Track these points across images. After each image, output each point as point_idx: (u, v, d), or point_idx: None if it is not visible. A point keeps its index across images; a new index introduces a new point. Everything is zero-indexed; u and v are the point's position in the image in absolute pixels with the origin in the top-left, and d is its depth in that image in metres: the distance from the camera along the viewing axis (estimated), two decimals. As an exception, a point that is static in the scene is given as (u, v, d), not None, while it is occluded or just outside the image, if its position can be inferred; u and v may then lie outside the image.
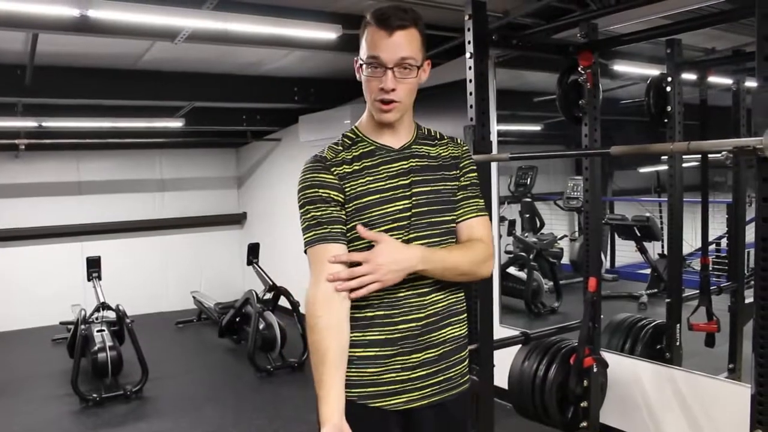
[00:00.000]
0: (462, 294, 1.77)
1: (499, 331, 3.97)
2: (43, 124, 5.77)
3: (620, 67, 4.57)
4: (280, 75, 5.61)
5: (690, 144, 2.06)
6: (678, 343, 3.67)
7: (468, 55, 2.76)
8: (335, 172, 1.63)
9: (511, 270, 5.65)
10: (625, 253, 6.50)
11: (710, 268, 3.82)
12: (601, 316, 3.35)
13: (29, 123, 5.79)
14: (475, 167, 1.79)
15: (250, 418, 4.52)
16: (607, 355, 3.44)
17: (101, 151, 7.77)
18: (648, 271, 5.96)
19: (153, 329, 6.97)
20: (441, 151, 1.74)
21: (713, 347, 3.65)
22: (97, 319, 5.52)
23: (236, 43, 3.99)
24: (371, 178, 1.64)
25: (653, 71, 3.90)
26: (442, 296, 1.69)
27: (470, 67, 2.75)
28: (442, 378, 1.69)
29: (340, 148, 1.68)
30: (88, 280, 6.26)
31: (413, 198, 1.65)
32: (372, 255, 1.56)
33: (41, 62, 4.42)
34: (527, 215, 5.87)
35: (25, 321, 7.31)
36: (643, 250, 5.91)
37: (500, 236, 4.78)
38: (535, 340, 3.34)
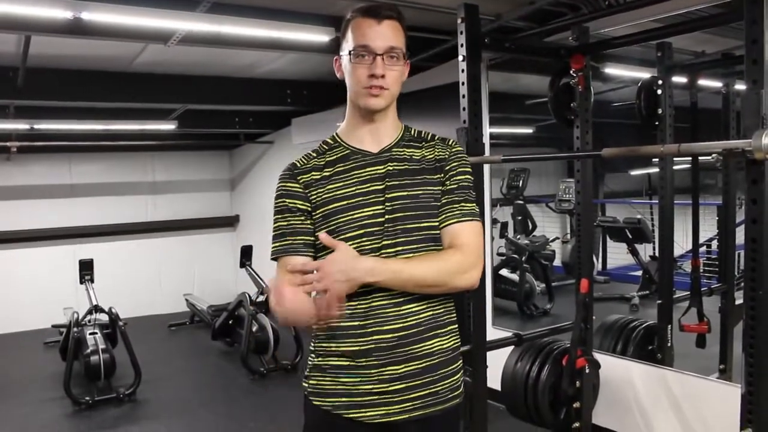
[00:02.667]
0: (451, 304, 1.70)
1: (492, 333, 3.98)
2: (35, 126, 5.76)
3: (611, 70, 4.60)
4: (273, 77, 5.62)
5: (680, 146, 2.08)
6: (669, 344, 3.69)
7: (461, 58, 2.77)
8: (301, 181, 1.62)
9: (504, 272, 5.67)
10: (617, 255, 6.52)
11: (701, 270, 3.84)
12: (593, 318, 3.36)
13: (21, 125, 5.77)
14: (467, 170, 1.69)
15: (243, 420, 4.52)
16: (599, 356, 3.46)
17: (94, 153, 7.75)
18: (639, 272, 5.99)
19: (146, 332, 6.94)
20: (426, 154, 1.68)
21: (704, 348, 3.65)
22: (89, 321, 5.50)
23: (229, 45, 4.00)
24: (340, 184, 1.60)
25: (644, 74, 3.93)
26: (422, 307, 1.60)
27: (463, 70, 2.77)
28: (426, 392, 1.59)
29: (314, 154, 1.67)
30: (81, 282, 6.23)
31: (387, 203, 1.59)
32: (323, 263, 1.51)
33: (33, 64, 4.41)
34: (519, 217, 5.90)
35: (18, 324, 7.27)
36: (634, 252, 5.94)
37: (492, 238, 4.79)
38: (528, 341, 3.35)
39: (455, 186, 1.65)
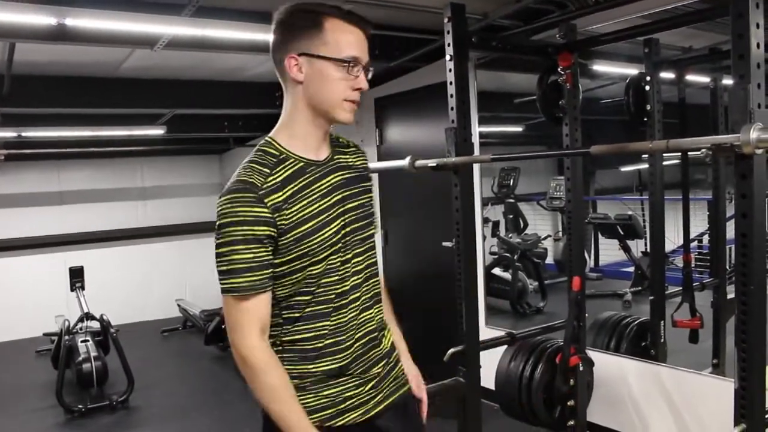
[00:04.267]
0: (382, 306, 1.75)
1: (485, 332, 3.97)
2: (23, 134, 5.73)
3: (599, 67, 4.61)
4: (261, 80, 5.60)
5: (669, 142, 2.07)
6: (662, 340, 3.70)
7: (448, 57, 2.76)
8: (269, 204, 1.45)
9: (496, 271, 5.67)
10: (609, 251, 6.53)
11: (692, 265, 3.85)
12: (586, 315, 3.36)
13: (8, 133, 5.73)
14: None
15: (237, 425, 4.50)
16: (593, 354, 3.46)
17: (82, 160, 7.73)
18: (631, 269, 6.00)
19: (138, 338, 6.91)
20: (354, 160, 1.68)
21: (697, 343, 3.68)
22: (81, 329, 5.49)
23: (216, 49, 3.97)
24: (306, 202, 1.50)
25: (632, 71, 3.93)
26: (374, 312, 1.67)
27: (450, 70, 2.76)
28: (391, 380, 1.70)
29: (267, 170, 1.49)
30: (72, 290, 6.21)
31: (345, 216, 1.57)
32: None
33: (19, 71, 4.37)
34: (511, 216, 5.90)
35: (8, 333, 7.23)
36: (626, 249, 5.96)
37: (484, 238, 4.79)
38: (521, 340, 3.35)
39: (372, 210, 1.70)
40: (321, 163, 1.58)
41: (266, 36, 3.99)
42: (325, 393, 1.57)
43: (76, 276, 6.21)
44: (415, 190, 5.04)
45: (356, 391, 1.60)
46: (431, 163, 2.78)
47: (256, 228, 1.44)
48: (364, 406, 1.61)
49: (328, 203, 1.54)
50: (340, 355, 1.57)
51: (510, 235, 5.82)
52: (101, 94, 5.13)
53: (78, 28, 3.36)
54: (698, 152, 2.01)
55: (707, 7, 3.06)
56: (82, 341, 5.22)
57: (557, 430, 3.26)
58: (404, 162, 2.90)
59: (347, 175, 1.62)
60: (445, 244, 4.51)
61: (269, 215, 1.45)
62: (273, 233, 1.46)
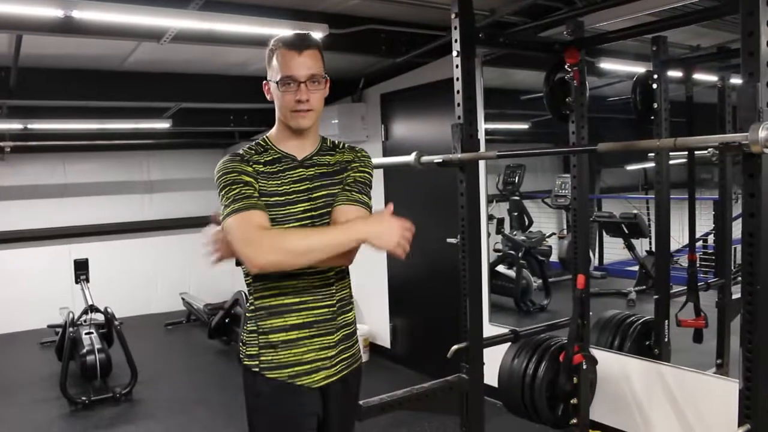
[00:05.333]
0: (348, 283, 2.02)
1: (489, 329, 3.98)
2: (29, 126, 5.73)
3: (607, 64, 4.59)
4: (266, 75, 5.60)
5: (676, 140, 2.06)
6: (666, 339, 3.68)
7: (455, 53, 2.76)
8: (253, 167, 1.85)
9: (500, 268, 5.65)
10: (614, 250, 6.52)
11: (697, 265, 3.84)
12: (590, 313, 3.36)
13: (14, 125, 5.74)
14: (366, 169, 1.99)
15: (240, 419, 4.48)
16: (596, 352, 3.46)
17: (88, 153, 7.73)
18: (636, 268, 5.98)
19: (142, 331, 6.94)
20: (338, 158, 1.97)
21: (701, 343, 3.66)
22: (85, 321, 5.49)
23: (223, 43, 3.97)
24: (277, 182, 1.86)
25: (639, 69, 3.92)
26: (341, 287, 1.95)
27: (457, 66, 2.76)
28: (347, 355, 1.97)
29: (253, 152, 1.89)
30: (76, 282, 6.22)
31: (313, 201, 1.88)
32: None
33: (26, 64, 4.38)
34: (515, 213, 5.88)
35: (13, 324, 7.25)
36: (631, 247, 5.93)
37: (489, 235, 4.79)
38: (525, 337, 3.35)
39: (352, 180, 1.95)
40: (298, 159, 1.91)
41: (272, 30, 3.99)
42: (294, 351, 1.87)
43: (81, 268, 6.23)
44: (420, 186, 5.03)
45: (320, 354, 1.89)
46: (437, 159, 2.78)
47: (244, 175, 1.82)
48: (325, 371, 1.90)
49: (296, 189, 1.87)
50: (303, 312, 1.87)
51: (514, 233, 5.81)
52: (107, 87, 5.14)
53: (85, 21, 3.36)
54: (705, 151, 2.00)
55: (716, 5, 3.05)
56: (86, 333, 5.23)
57: (560, 427, 3.26)
58: (410, 158, 2.90)
59: (321, 171, 1.93)
60: (449, 240, 4.51)
61: (254, 173, 1.84)
62: (256, 185, 1.82)
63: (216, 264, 1.99)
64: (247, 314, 1.97)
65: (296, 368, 1.87)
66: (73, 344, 5.10)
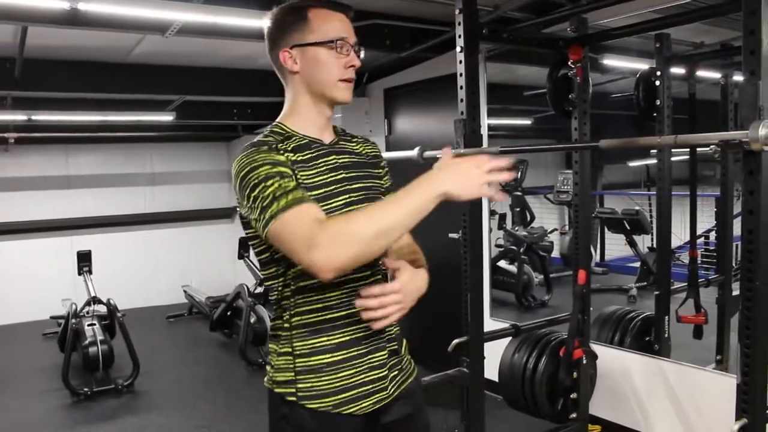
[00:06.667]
0: None
1: (490, 324, 4.00)
2: (33, 117, 5.74)
3: (610, 61, 4.60)
4: (271, 69, 5.57)
5: (677, 137, 2.07)
6: (666, 335, 3.70)
7: (458, 49, 2.76)
8: (285, 156, 1.51)
9: (502, 263, 5.67)
10: (615, 246, 6.53)
11: (698, 261, 3.85)
12: (591, 309, 3.37)
13: (18, 116, 5.75)
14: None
15: (241, 412, 4.53)
16: (597, 347, 3.47)
17: (91, 144, 7.74)
18: (637, 264, 5.99)
19: (144, 323, 6.97)
20: (361, 149, 1.72)
21: (701, 339, 3.68)
22: (87, 313, 5.52)
23: (227, 36, 3.98)
24: (313, 172, 1.54)
25: (642, 65, 3.92)
26: None
27: (461, 61, 2.76)
28: (401, 368, 1.68)
29: (275, 139, 1.55)
30: (79, 274, 6.25)
31: (350, 194, 1.57)
32: (401, 285, 1.49)
33: (31, 55, 4.40)
34: (518, 209, 5.89)
35: (16, 315, 7.29)
36: (632, 244, 5.94)
37: (491, 230, 4.79)
38: (526, 332, 3.36)
39: (391, 184, 1.73)
40: (326, 143, 1.62)
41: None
42: (341, 375, 1.54)
43: (84, 260, 6.25)
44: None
45: (371, 375, 1.58)
46: (440, 154, 2.79)
47: (279, 166, 1.46)
48: (377, 395, 1.58)
49: (334, 178, 1.56)
50: (353, 327, 1.55)
51: (516, 228, 5.82)
52: (111, 79, 5.15)
53: (91, 13, 3.37)
54: (707, 148, 2.01)
55: (719, 3, 3.05)
56: (88, 325, 5.25)
57: (560, 422, 3.28)
58: (413, 152, 2.91)
59: (352, 159, 1.65)
60: (451, 235, 4.52)
61: (288, 163, 1.49)
62: (293, 176, 1.48)
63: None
64: (277, 333, 1.60)
65: (343, 395, 1.54)
66: (76, 336, 5.12)
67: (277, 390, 1.57)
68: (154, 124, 6.97)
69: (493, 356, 3.20)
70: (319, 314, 1.54)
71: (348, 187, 1.58)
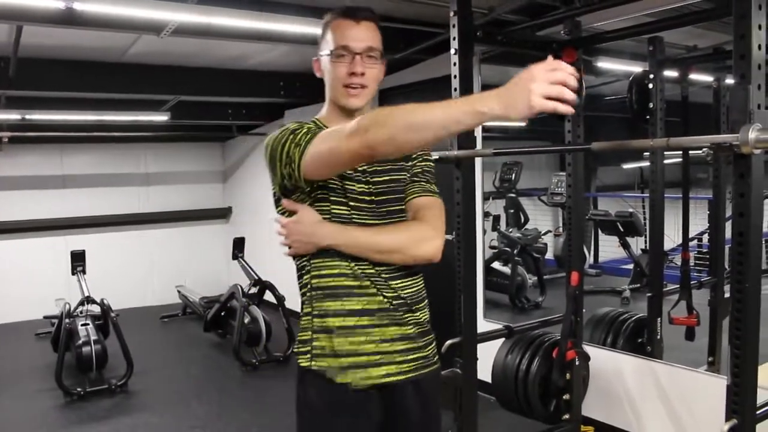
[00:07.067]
0: (422, 281, 1.82)
1: (483, 325, 4.00)
2: (27, 116, 5.73)
3: (603, 63, 4.61)
4: (266, 69, 5.61)
5: (669, 140, 2.09)
6: (659, 337, 3.71)
7: (453, 51, 2.77)
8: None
9: (496, 265, 5.69)
10: (609, 248, 6.55)
11: (691, 263, 3.87)
12: (584, 310, 3.39)
13: (12, 115, 5.75)
14: (429, 158, 1.85)
15: (235, 412, 4.53)
16: (590, 349, 3.48)
17: (86, 144, 7.72)
18: (630, 266, 6.02)
19: (138, 323, 6.96)
20: None
21: (693, 341, 3.69)
22: (81, 313, 5.50)
23: (222, 37, 3.98)
24: None
25: (636, 68, 3.94)
26: (409, 282, 1.74)
27: (455, 63, 2.77)
28: (420, 355, 1.74)
29: (312, 125, 1.70)
30: (73, 274, 6.23)
31: (371, 185, 1.69)
32: (288, 222, 1.67)
33: (25, 54, 4.39)
34: (512, 211, 5.91)
35: (9, 315, 7.27)
36: (625, 246, 5.97)
37: (485, 232, 4.81)
38: (519, 333, 3.37)
39: (419, 170, 1.79)
40: None
41: (272, 25, 4.00)
42: (351, 339, 1.65)
43: (78, 260, 6.24)
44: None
45: (382, 347, 1.66)
46: (433, 155, 2.80)
47: (317, 130, 1.61)
48: (386, 366, 1.67)
49: (359, 169, 1.67)
50: (365, 298, 1.66)
51: (510, 230, 5.84)
52: (107, 78, 5.15)
53: (86, 13, 3.38)
54: (699, 151, 2.03)
55: (712, 7, 3.07)
56: (82, 325, 5.24)
57: (553, 423, 3.29)
58: (407, 154, 2.91)
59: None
60: (445, 236, 4.52)
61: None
62: None
63: (289, 255, 1.72)
64: (303, 292, 1.73)
65: (352, 358, 1.65)
66: (69, 335, 5.11)
67: (300, 361, 1.69)
68: (149, 124, 6.97)
69: (487, 357, 3.21)
70: (333, 279, 1.66)
71: (362, 178, 1.68)
